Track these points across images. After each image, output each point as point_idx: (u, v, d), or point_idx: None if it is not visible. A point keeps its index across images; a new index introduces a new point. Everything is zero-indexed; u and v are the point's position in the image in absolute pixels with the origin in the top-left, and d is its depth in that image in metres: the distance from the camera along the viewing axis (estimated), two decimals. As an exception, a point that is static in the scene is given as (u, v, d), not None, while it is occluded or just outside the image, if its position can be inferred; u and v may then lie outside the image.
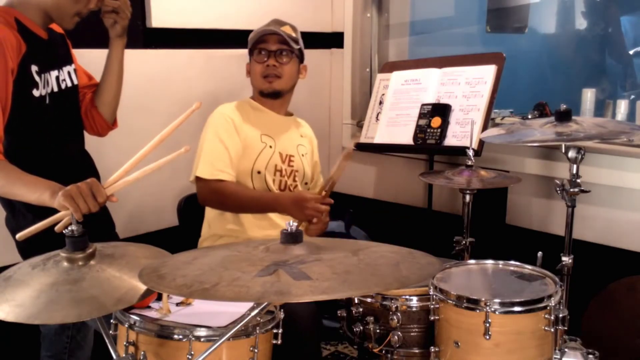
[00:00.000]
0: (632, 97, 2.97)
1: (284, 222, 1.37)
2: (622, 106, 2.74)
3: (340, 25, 3.40)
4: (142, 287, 1.35)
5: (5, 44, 1.70)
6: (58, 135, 1.93)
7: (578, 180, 2.01)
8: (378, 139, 2.89)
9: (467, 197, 2.29)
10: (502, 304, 1.67)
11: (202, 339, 1.47)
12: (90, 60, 2.08)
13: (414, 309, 1.85)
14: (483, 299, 1.67)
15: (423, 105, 2.78)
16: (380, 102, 2.97)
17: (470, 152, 2.25)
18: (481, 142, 2.53)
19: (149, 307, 1.58)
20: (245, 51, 2.45)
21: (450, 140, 2.66)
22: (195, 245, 2.43)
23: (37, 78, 1.81)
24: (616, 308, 2.51)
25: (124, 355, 1.49)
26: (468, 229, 2.32)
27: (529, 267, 1.90)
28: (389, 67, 3.06)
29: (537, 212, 2.84)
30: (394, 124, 2.86)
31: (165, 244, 1.59)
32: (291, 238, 1.35)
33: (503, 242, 2.81)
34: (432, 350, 1.77)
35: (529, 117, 2.82)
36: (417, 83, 2.87)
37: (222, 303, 1.57)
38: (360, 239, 3.02)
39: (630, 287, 2.50)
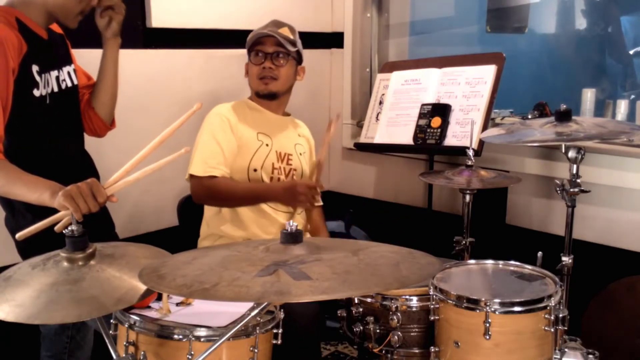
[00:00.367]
0: (632, 97, 2.97)
1: (281, 218, 1.37)
2: (622, 106, 2.74)
3: (340, 25, 3.40)
4: (142, 287, 1.35)
5: (6, 44, 1.71)
6: (58, 135, 1.93)
7: (578, 180, 2.01)
8: (378, 139, 2.89)
9: (467, 197, 2.29)
10: (502, 304, 1.67)
11: (202, 339, 1.47)
12: (89, 61, 2.08)
13: (414, 309, 1.85)
14: (483, 299, 1.67)
15: (423, 105, 2.78)
16: (380, 102, 2.97)
17: (470, 152, 2.25)
18: (481, 142, 2.53)
19: (149, 307, 1.58)
20: (245, 51, 2.46)
21: (450, 140, 2.66)
22: (195, 245, 2.43)
23: (37, 78, 1.81)
24: (616, 308, 2.51)
25: (124, 355, 1.49)
26: (468, 229, 2.32)
27: (529, 267, 1.90)
28: (389, 67, 3.06)
29: (537, 212, 2.84)
30: (394, 124, 2.86)
31: (165, 244, 1.59)
32: (291, 238, 1.35)
33: (503, 242, 2.80)
34: (432, 350, 1.77)
35: (529, 117, 2.82)
36: (417, 83, 2.87)
37: (222, 303, 1.57)
38: (360, 239, 3.03)
39: (630, 287, 2.49)
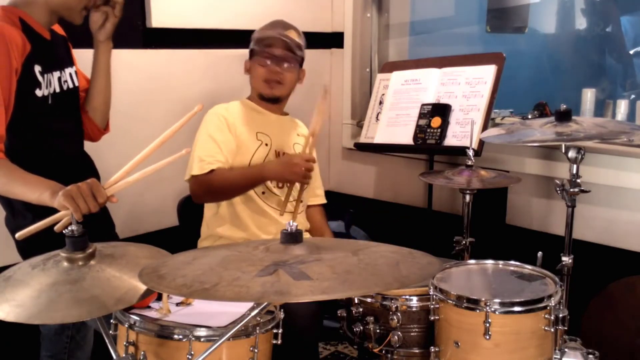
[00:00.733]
0: (632, 97, 2.97)
1: (282, 219, 1.38)
2: (622, 106, 2.74)
3: (340, 25, 3.40)
4: (142, 287, 1.35)
5: (10, 44, 1.71)
6: (59, 136, 1.93)
7: (578, 180, 2.01)
8: (378, 139, 2.89)
9: (467, 197, 2.29)
10: (502, 304, 1.67)
11: (202, 339, 1.47)
12: (89, 61, 2.08)
13: (414, 309, 1.85)
14: (483, 299, 1.67)
15: (423, 105, 2.78)
16: (380, 102, 2.97)
17: (470, 152, 2.25)
18: (481, 142, 2.53)
19: (149, 307, 1.58)
20: (245, 51, 2.45)
21: (450, 140, 2.66)
22: (195, 245, 2.43)
23: (40, 78, 1.81)
24: (616, 308, 2.51)
25: (124, 355, 1.49)
26: (468, 229, 2.32)
27: (529, 267, 1.90)
28: (389, 67, 3.06)
29: (537, 212, 2.84)
30: (394, 124, 2.86)
31: (165, 244, 1.59)
32: (291, 238, 1.35)
33: (503, 242, 2.80)
34: (432, 350, 1.77)
35: (529, 117, 2.82)
36: (417, 83, 2.87)
37: (222, 303, 1.57)
38: (360, 239, 3.02)
39: (630, 287, 2.49)
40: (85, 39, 2.01)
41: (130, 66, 2.56)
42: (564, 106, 2.04)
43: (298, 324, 1.93)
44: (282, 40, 2.36)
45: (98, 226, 1.77)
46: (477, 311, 1.67)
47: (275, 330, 1.56)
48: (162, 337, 1.49)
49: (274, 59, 2.37)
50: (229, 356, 1.50)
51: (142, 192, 2.65)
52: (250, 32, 2.44)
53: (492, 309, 1.66)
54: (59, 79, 1.91)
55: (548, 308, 1.68)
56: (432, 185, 2.97)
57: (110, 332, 1.52)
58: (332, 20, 3.42)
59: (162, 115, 2.61)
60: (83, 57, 2.07)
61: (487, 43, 3.44)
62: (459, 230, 2.33)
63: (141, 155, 1.62)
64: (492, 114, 2.74)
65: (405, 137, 2.78)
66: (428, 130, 2.71)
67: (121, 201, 1.72)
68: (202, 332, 1.47)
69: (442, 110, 2.71)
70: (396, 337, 1.83)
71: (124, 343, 1.51)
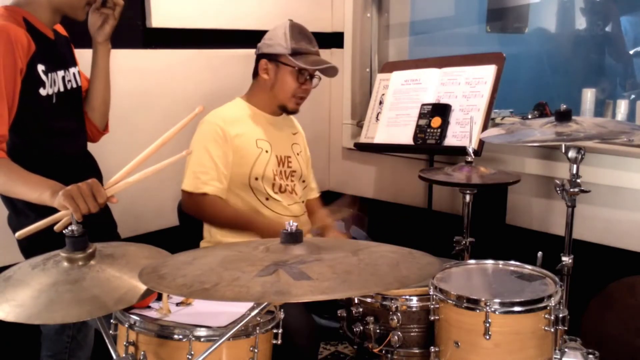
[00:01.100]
0: (632, 97, 2.97)
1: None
2: (622, 106, 2.74)
3: (340, 25, 3.40)
4: (142, 287, 1.35)
5: (16, 44, 1.71)
6: (63, 135, 1.93)
7: (578, 180, 2.01)
8: (378, 139, 2.89)
9: (467, 197, 2.29)
10: (502, 304, 1.67)
11: (202, 339, 1.47)
12: (89, 61, 2.08)
13: (414, 309, 1.85)
14: (483, 299, 1.67)
15: (423, 105, 2.78)
16: (380, 102, 2.97)
17: (470, 149, 2.25)
18: (481, 142, 2.53)
19: (149, 307, 1.58)
20: (245, 51, 2.44)
21: (450, 140, 2.66)
22: (195, 245, 2.43)
23: (44, 77, 1.81)
24: (616, 308, 2.51)
25: (124, 355, 1.49)
26: (468, 229, 2.32)
27: (529, 267, 1.90)
28: (389, 67, 3.06)
29: (537, 212, 2.84)
30: (394, 124, 2.86)
31: (166, 244, 1.59)
32: (291, 238, 1.35)
33: (503, 242, 2.80)
34: (432, 350, 1.77)
35: (529, 117, 2.82)
36: (417, 83, 2.87)
37: (222, 303, 1.57)
38: (360, 239, 3.02)
39: (630, 287, 2.50)
40: (85, 39, 2.01)
41: (130, 66, 2.56)
42: (564, 106, 2.04)
43: (297, 343, 1.93)
44: (322, 61, 2.36)
45: (100, 226, 1.77)
46: (477, 311, 1.67)
47: (275, 330, 1.56)
48: (162, 337, 1.49)
49: (311, 78, 2.36)
50: (229, 356, 1.50)
51: (142, 192, 2.65)
52: (250, 32, 2.44)
53: (492, 309, 1.66)
54: (63, 78, 1.91)
55: (548, 308, 1.68)
56: (432, 185, 2.97)
57: (110, 332, 1.52)
58: (332, 20, 3.42)
59: (162, 115, 2.61)
60: (83, 57, 2.07)
61: (487, 43, 3.45)
62: (459, 230, 2.33)
63: (142, 156, 1.62)
64: (492, 114, 2.74)
65: (405, 137, 2.78)
66: (428, 130, 2.71)
67: (121, 201, 1.72)
68: (202, 332, 1.47)
69: (442, 110, 2.71)
70: (396, 337, 1.83)
71: (124, 343, 1.51)
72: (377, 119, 2.95)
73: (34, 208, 1.76)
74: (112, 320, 1.54)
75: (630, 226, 2.58)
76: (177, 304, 1.61)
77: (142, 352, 1.49)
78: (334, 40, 3.43)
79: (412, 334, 1.86)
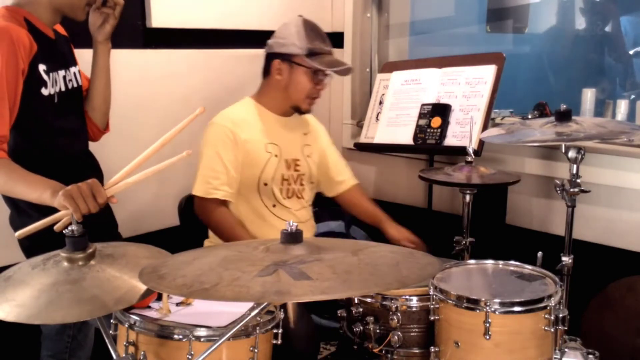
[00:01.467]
0: (632, 97, 2.97)
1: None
2: (622, 106, 2.74)
3: (340, 25, 3.39)
4: (142, 287, 1.35)
5: (18, 45, 1.71)
6: (64, 134, 1.93)
7: (578, 180, 2.02)
8: (378, 139, 2.89)
9: (467, 197, 2.29)
10: (502, 304, 1.67)
11: (202, 339, 1.47)
12: (89, 61, 2.08)
13: (414, 309, 1.85)
14: (483, 299, 1.67)
15: (423, 105, 2.78)
16: (380, 102, 2.97)
17: (470, 149, 2.25)
18: (481, 142, 2.53)
19: (149, 307, 1.58)
20: (245, 51, 2.44)
21: (450, 140, 2.66)
22: (196, 245, 2.42)
23: (45, 77, 1.81)
24: (616, 308, 2.51)
25: (124, 355, 1.49)
26: (468, 229, 2.32)
27: (529, 267, 1.90)
28: (389, 67, 3.06)
29: (537, 212, 2.83)
30: (394, 124, 2.86)
31: (166, 244, 1.59)
32: (291, 238, 1.35)
33: (503, 242, 2.80)
34: (432, 350, 1.77)
35: (529, 117, 2.82)
36: (417, 83, 2.87)
37: (222, 303, 1.57)
38: (360, 239, 3.02)
39: (630, 287, 2.49)
40: (85, 39, 2.02)
41: (130, 66, 2.55)
42: (564, 106, 2.04)
43: (296, 346, 1.92)
44: (338, 62, 2.36)
45: (101, 226, 1.77)
46: (477, 311, 1.67)
47: (275, 330, 1.56)
48: (162, 337, 1.49)
49: (326, 78, 2.35)
50: (229, 356, 1.50)
51: (142, 192, 2.65)
52: (251, 32, 2.43)
53: (492, 309, 1.66)
54: (64, 77, 1.91)
55: (548, 308, 1.68)
56: (432, 185, 2.97)
57: (110, 332, 1.52)
58: (332, 20, 3.41)
59: (162, 115, 2.61)
60: (83, 57, 2.07)
61: (487, 43, 3.45)
62: (459, 230, 2.33)
63: (142, 157, 1.62)
64: (492, 114, 2.74)
65: (405, 137, 2.78)
66: (428, 130, 2.71)
67: (122, 201, 1.72)
68: (202, 332, 1.47)
69: (442, 110, 2.71)
70: (396, 337, 1.83)
71: (124, 343, 1.51)
72: (377, 119, 2.95)
73: (36, 208, 1.76)
74: (112, 320, 1.54)
75: (630, 226, 2.58)
76: (177, 304, 1.61)
77: (142, 352, 1.49)
78: (334, 40, 3.39)
79: (412, 334, 1.86)
